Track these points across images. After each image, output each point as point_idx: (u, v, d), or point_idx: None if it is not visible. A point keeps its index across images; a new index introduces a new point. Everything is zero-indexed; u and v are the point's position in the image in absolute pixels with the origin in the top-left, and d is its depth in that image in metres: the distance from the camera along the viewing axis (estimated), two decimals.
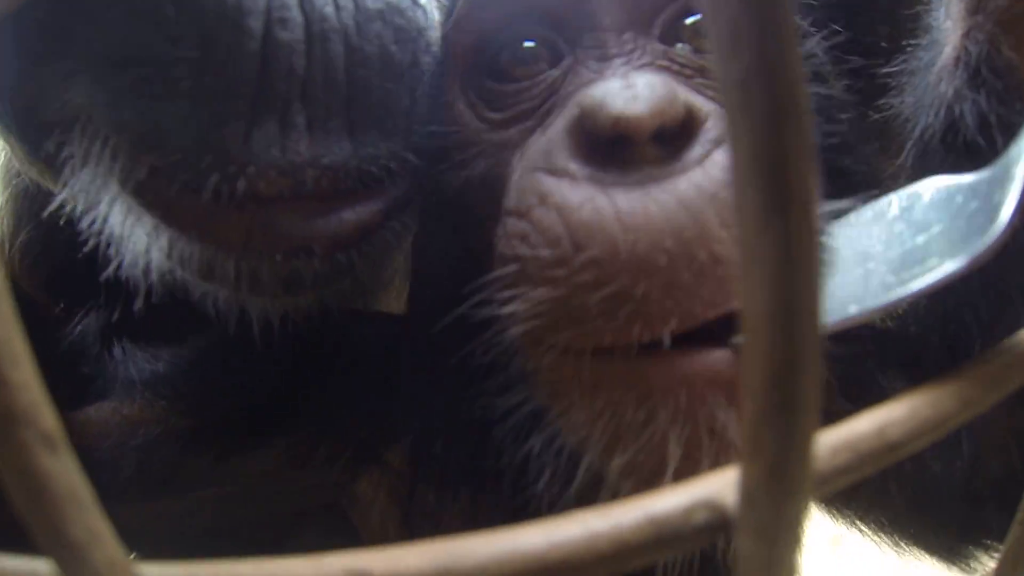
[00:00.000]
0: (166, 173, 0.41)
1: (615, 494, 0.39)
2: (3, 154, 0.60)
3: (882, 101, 0.50)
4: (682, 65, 0.43)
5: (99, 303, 0.59)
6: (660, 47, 0.43)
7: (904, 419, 0.27)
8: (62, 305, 0.61)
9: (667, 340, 0.35)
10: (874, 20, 0.54)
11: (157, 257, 0.44)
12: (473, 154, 0.45)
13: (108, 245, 0.45)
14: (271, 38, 0.40)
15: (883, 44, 0.52)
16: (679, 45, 0.44)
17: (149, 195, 0.42)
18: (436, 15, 0.49)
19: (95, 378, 0.60)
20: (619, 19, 0.44)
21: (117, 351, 0.59)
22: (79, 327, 0.60)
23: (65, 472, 0.18)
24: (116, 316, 0.54)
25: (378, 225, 0.47)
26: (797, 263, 0.16)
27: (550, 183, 0.39)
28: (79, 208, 0.45)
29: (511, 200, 0.41)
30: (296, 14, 0.41)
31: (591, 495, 0.40)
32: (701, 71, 0.43)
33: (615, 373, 0.37)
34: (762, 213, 0.15)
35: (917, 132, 0.47)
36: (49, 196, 0.50)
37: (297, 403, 0.54)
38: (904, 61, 0.49)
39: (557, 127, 0.41)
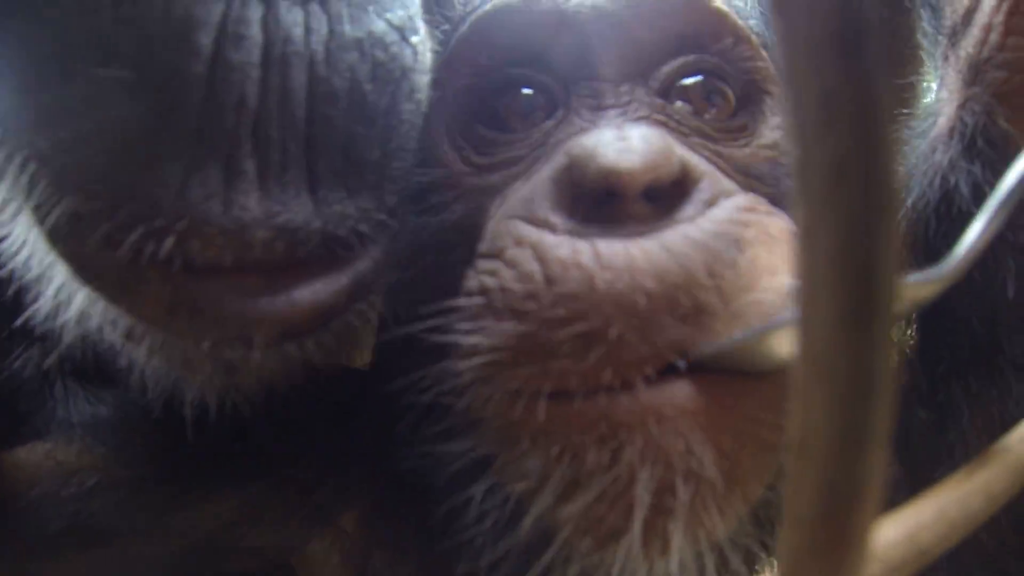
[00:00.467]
0: (86, 220, 0.34)
1: (568, 549, 0.36)
2: None
3: None
4: (679, 122, 0.41)
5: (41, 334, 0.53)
6: (658, 101, 0.42)
7: (933, 522, 0.24)
8: (4, 333, 0.54)
9: (638, 384, 0.33)
10: None
11: (77, 309, 0.36)
12: (452, 198, 0.42)
13: (25, 281, 0.38)
14: (221, 58, 0.33)
15: None
16: (678, 103, 0.42)
17: (66, 242, 0.35)
18: (428, 58, 0.43)
19: (31, 416, 0.54)
20: (617, 69, 0.42)
21: (58, 388, 0.53)
22: (19, 359, 0.54)
23: None
24: (52, 357, 0.47)
25: (341, 307, 0.38)
26: (873, 384, 0.13)
27: (528, 230, 0.36)
28: None
29: (485, 244, 0.38)
30: (256, 31, 0.34)
31: (538, 547, 0.37)
32: (699, 131, 0.41)
33: (574, 415, 0.34)
34: (839, 323, 0.13)
35: (910, 202, 0.47)
36: None
37: (250, 456, 0.49)
38: (897, 130, 0.49)
39: (542, 175, 0.39)
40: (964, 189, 0.44)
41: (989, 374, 0.48)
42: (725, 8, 0.44)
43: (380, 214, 0.39)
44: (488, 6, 0.44)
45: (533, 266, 0.35)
